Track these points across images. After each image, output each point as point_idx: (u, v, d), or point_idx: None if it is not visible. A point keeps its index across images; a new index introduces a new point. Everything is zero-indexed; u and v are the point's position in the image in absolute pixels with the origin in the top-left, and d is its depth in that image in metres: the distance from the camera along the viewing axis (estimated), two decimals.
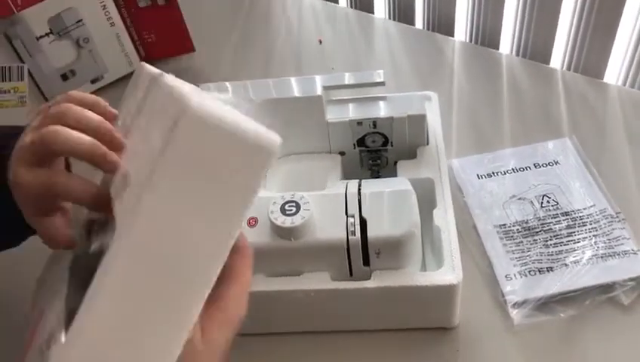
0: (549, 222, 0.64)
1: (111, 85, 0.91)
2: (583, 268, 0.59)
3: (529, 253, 0.61)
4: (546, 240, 0.62)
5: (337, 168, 0.65)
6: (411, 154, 0.64)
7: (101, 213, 0.41)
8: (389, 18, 1.01)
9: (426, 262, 0.59)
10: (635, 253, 0.60)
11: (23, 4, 0.79)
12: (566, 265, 0.60)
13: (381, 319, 0.57)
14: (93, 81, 0.89)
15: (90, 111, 0.42)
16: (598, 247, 0.60)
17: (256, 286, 0.53)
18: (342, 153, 0.67)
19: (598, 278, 0.58)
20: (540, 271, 0.60)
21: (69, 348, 0.32)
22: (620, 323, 0.56)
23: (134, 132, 0.41)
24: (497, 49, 0.91)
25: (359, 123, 0.64)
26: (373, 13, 1.02)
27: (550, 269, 0.60)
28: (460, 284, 0.53)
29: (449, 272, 0.53)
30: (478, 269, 0.62)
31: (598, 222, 0.63)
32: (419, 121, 0.63)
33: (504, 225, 0.64)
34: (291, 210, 0.53)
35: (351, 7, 1.04)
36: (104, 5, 0.85)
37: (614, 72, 0.83)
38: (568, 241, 0.62)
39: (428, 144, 0.65)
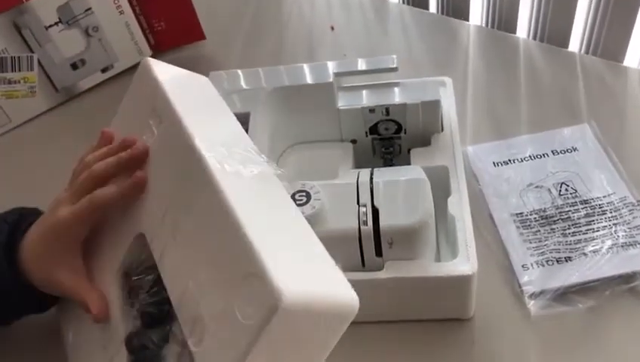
0: (568, 211, 0.62)
1: (121, 74, 0.90)
2: (602, 257, 0.57)
3: (546, 242, 0.60)
4: (565, 229, 0.60)
5: (349, 157, 0.64)
6: (425, 141, 0.63)
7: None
8: (403, 2, 0.99)
9: (440, 252, 0.58)
10: None
11: None
12: (585, 254, 0.58)
13: (394, 310, 0.56)
14: (103, 70, 0.89)
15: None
16: (618, 236, 0.59)
17: None
18: (354, 141, 0.66)
19: (618, 268, 0.56)
20: (557, 261, 0.58)
21: None
22: None
23: (182, 227, 0.43)
24: (514, 33, 0.89)
25: (371, 110, 0.63)
26: None
27: (568, 259, 0.58)
28: (475, 275, 0.51)
29: (464, 262, 0.52)
30: (494, 259, 0.60)
31: (619, 210, 0.61)
32: (433, 107, 0.62)
33: (521, 213, 0.63)
34: (302, 200, 0.52)
35: None
36: None
37: (635, 55, 0.81)
38: (587, 230, 0.60)
39: (442, 131, 0.63)
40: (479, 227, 0.63)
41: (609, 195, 0.63)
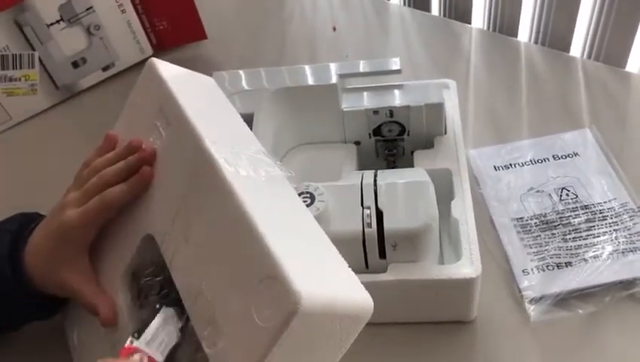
0: (568, 216, 0.62)
1: (122, 73, 0.90)
2: (602, 263, 0.57)
3: (547, 247, 0.60)
4: (565, 235, 0.60)
5: (352, 158, 0.64)
6: (428, 143, 0.63)
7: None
8: (405, 4, 0.99)
9: (443, 254, 0.58)
10: None
11: None
12: (585, 260, 0.58)
13: (397, 312, 0.56)
14: (104, 69, 0.89)
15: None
16: (618, 242, 0.59)
17: None
18: (357, 143, 0.66)
19: (618, 274, 0.57)
20: (558, 266, 0.58)
21: None
22: None
23: (194, 230, 0.43)
24: (516, 37, 0.89)
25: (375, 112, 0.63)
26: None
27: (569, 264, 0.58)
28: (479, 278, 0.51)
29: (467, 265, 0.52)
30: (495, 263, 0.60)
31: (619, 216, 0.61)
32: (437, 109, 0.62)
33: (521, 218, 0.63)
34: (306, 201, 0.52)
35: None
36: None
37: (637, 60, 0.81)
38: (588, 236, 0.60)
39: (446, 133, 0.63)
40: (480, 231, 0.62)
41: (610, 201, 0.63)
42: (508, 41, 0.87)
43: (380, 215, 0.52)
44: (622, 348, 0.54)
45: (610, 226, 0.60)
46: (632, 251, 0.58)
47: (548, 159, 0.69)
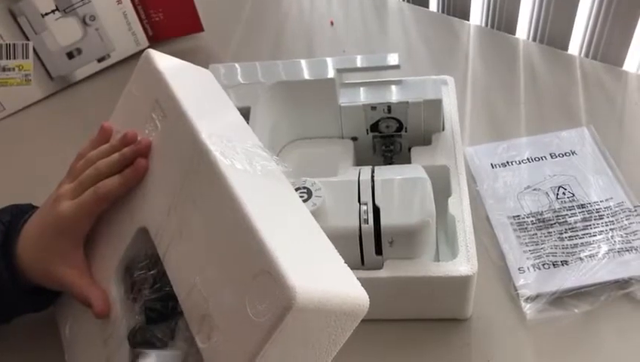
0: (565, 215, 0.62)
1: (118, 64, 0.89)
2: (598, 262, 0.57)
3: (543, 245, 0.60)
4: (561, 233, 0.60)
5: (349, 154, 0.63)
6: (426, 140, 0.63)
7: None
8: (403, 0, 0.98)
9: (439, 251, 0.58)
10: None
11: None
12: (581, 259, 0.58)
13: (392, 309, 0.56)
14: (99, 60, 0.88)
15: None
16: (614, 241, 0.59)
17: None
18: (354, 138, 0.65)
19: (614, 273, 0.56)
20: (554, 265, 0.58)
21: None
22: (636, 320, 0.55)
23: (189, 223, 0.42)
24: (514, 34, 0.89)
25: (373, 107, 0.62)
26: None
27: (565, 263, 0.58)
28: (475, 276, 0.51)
29: (464, 263, 0.52)
30: (491, 261, 0.60)
31: (616, 215, 0.61)
32: (435, 106, 0.61)
33: (518, 216, 0.63)
34: (302, 196, 0.52)
35: None
36: None
37: (634, 59, 0.81)
38: (584, 235, 0.60)
39: (443, 130, 0.63)
40: (476, 229, 0.62)
41: (606, 200, 0.63)
42: (506, 38, 0.87)
43: (377, 211, 0.52)
44: (617, 347, 0.54)
45: (607, 225, 0.60)
46: (627, 250, 0.58)
47: (545, 157, 0.68)
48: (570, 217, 0.62)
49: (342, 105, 0.63)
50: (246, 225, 0.37)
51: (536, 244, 0.60)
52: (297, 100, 0.64)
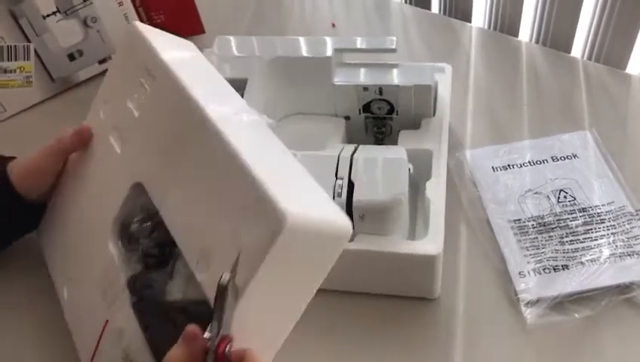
0: (566, 219, 0.62)
1: None
2: (600, 267, 0.57)
3: (544, 249, 0.59)
4: (562, 237, 0.60)
5: (340, 132, 0.65)
6: (416, 124, 0.64)
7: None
8: (405, 2, 0.98)
9: (416, 232, 0.59)
10: None
11: None
12: (582, 263, 0.57)
13: (363, 282, 0.58)
14: (101, 62, 0.88)
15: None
16: (616, 246, 0.58)
17: None
18: (347, 118, 0.67)
19: (615, 278, 0.56)
20: (555, 269, 0.58)
21: None
22: (637, 326, 0.54)
23: (183, 169, 0.45)
24: (516, 36, 0.88)
25: (365, 88, 0.64)
26: None
27: (566, 267, 0.58)
28: (440, 256, 0.53)
29: (431, 243, 0.53)
30: (491, 265, 0.60)
31: (617, 219, 0.61)
32: (425, 91, 0.62)
33: (519, 220, 0.62)
34: None
35: None
36: None
37: (638, 62, 0.80)
38: (585, 239, 0.60)
39: (434, 116, 0.64)
40: (476, 232, 0.62)
41: (608, 204, 0.62)
42: (508, 40, 0.86)
43: (351, 186, 0.53)
44: (618, 353, 0.53)
45: (608, 230, 0.60)
46: (629, 255, 0.58)
47: (546, 160, 0.68)
48: (571, 221, 0.61)
49: (336, 84, 0.65)
50: (237, 163, 0.39)
51: (537, 248, 0.60)
52: (294, 76, 0.66)
